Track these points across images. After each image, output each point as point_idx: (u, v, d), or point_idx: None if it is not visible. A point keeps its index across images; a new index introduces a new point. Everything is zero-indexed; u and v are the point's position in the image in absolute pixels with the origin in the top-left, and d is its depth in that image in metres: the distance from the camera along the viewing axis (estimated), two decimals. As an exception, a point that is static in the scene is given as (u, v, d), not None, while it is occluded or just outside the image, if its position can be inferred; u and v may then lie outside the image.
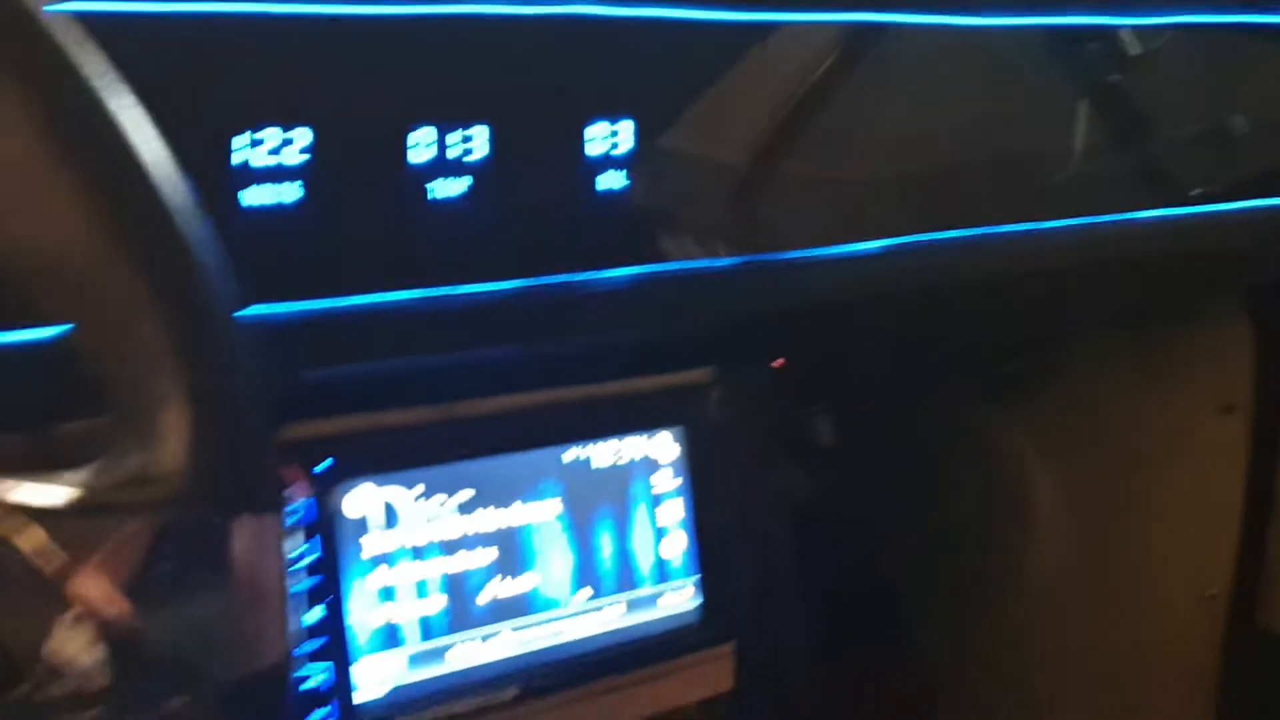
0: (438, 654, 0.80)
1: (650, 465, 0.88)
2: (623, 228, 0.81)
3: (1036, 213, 0.98)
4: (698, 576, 0.90)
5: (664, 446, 0.88)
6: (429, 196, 0.74)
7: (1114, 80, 0.99)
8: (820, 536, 1.10)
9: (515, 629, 0.83)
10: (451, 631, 0.81)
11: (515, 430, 0.83)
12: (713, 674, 0.92)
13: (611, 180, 0.80)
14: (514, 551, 0.83)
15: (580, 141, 0.78)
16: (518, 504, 0.83)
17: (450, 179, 0.75)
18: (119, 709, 0.33)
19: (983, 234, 0.96)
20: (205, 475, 0.35)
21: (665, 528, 0.89)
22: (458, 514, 0.81)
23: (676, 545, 0.89)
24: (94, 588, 0.33)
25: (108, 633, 0.32)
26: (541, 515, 0.84)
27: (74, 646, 0.32)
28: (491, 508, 0.82)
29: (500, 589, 0.82)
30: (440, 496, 0.80)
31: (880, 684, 1.23)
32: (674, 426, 0.89)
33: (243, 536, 0.36)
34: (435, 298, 0.74)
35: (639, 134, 0.80)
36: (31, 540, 0.32)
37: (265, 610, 0.36)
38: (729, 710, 0.96)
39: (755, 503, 0.95)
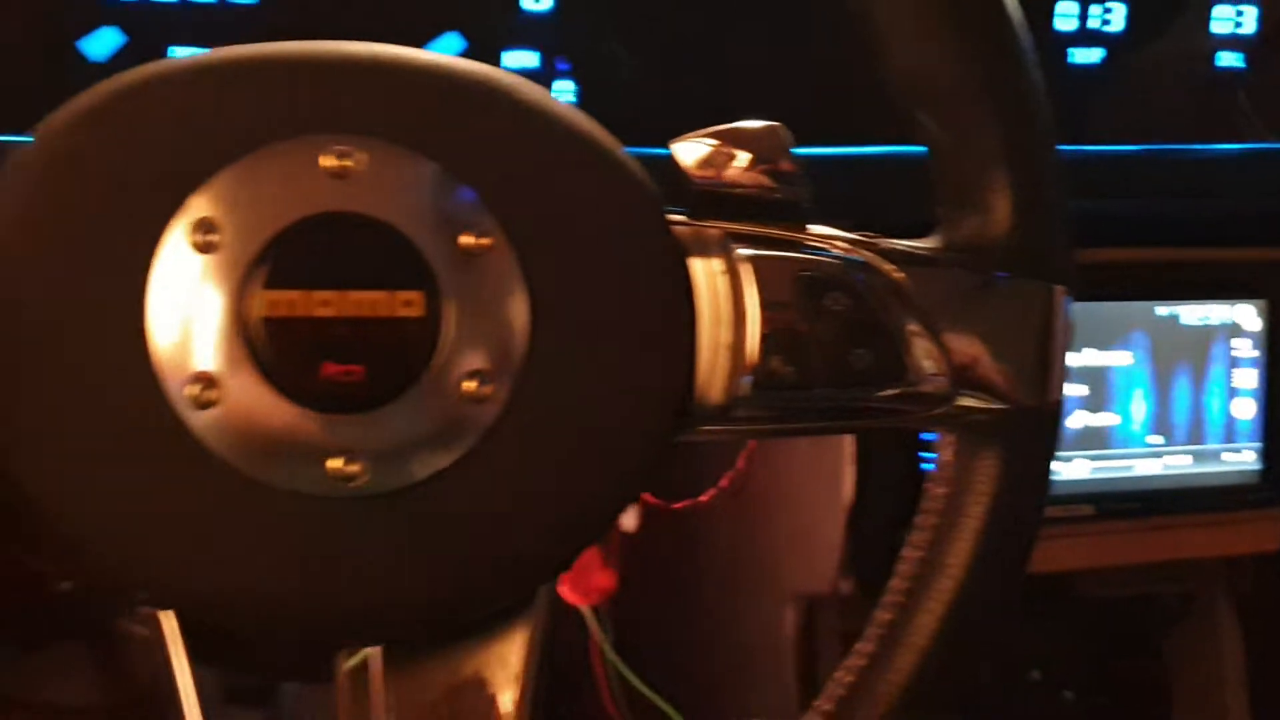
0: (1029, 464, 0.92)
1: (1232, 331, 0.95)
2: (1234, 105, 0.89)
3: None
4: (1261, 444, 0.97)
5: (1248, 316, 0.95)
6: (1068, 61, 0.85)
7: None
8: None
9: (1093, 457, 0.93)
10: (1041, 449, 0.92)
11: (1115, 281, 0.93)
12: (1263, 533, 0.99)
13: (1230, 59, 0.88)
14: (1100, 390, 0.93)
15: (1207, 21, 0.87)
16: (1109, 348, 0.93)
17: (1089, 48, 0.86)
18: (951, 416, 0.48)
19: None
20: (1026, 245, 0.47)
21: (1238, 389, 0.96)
22: (1056, 349, 0.92)
23: (1246, 410, 0.96)
24: (918, 315, 0.47)
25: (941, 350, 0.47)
26: (1127, 361, 0.93)
27: (917, 354, 0.47)
28: (1086, 348, 0.92)
29: (1085, 420, 0.93)
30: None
31: None
32: (1259, 299, 0.95)
33: (1040, 298, 0.50)
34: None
35: (1261, 18, 0.88)
36: (897, 275, 0.47)
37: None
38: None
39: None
